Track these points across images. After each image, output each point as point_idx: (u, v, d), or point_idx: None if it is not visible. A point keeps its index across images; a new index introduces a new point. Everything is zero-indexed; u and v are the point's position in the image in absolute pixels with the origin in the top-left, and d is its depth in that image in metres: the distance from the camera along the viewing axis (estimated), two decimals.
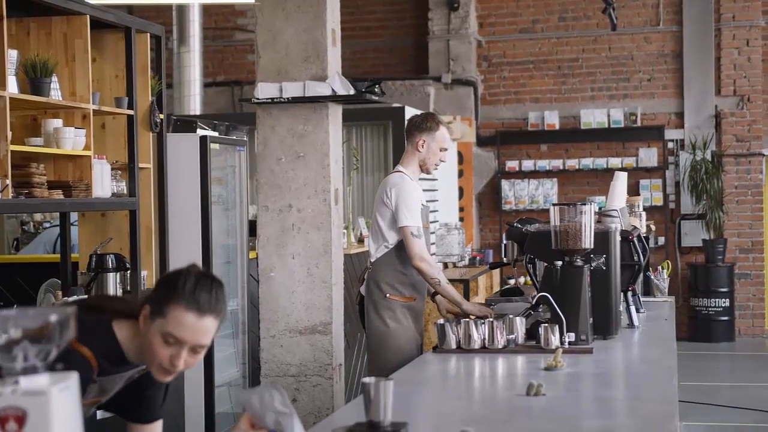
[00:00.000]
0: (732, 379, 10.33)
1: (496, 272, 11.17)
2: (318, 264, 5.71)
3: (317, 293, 5.72)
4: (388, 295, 5.21)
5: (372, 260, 5.31)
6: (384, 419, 2.75)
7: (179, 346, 2.50)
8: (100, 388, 2.66)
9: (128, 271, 5.78)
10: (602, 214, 5.21)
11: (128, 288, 5.81)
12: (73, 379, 1.83)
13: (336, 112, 5.90)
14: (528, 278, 11.95)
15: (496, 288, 11.06)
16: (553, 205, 4.50)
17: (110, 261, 5.61)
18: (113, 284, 5.62)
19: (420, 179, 5.40)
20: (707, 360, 11.33)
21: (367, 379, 2.71)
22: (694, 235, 12.50)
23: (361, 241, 7.83)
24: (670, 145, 12.65)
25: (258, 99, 5.79)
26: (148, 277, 6.02)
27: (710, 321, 12.15)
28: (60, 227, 5.93)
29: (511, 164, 12.87)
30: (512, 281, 11.87)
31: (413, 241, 5.13)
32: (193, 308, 2.49)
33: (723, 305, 12.17)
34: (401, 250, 5.19)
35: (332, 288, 5.74)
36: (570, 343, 4.25)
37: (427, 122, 5.33)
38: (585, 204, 4.46)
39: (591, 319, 4.37)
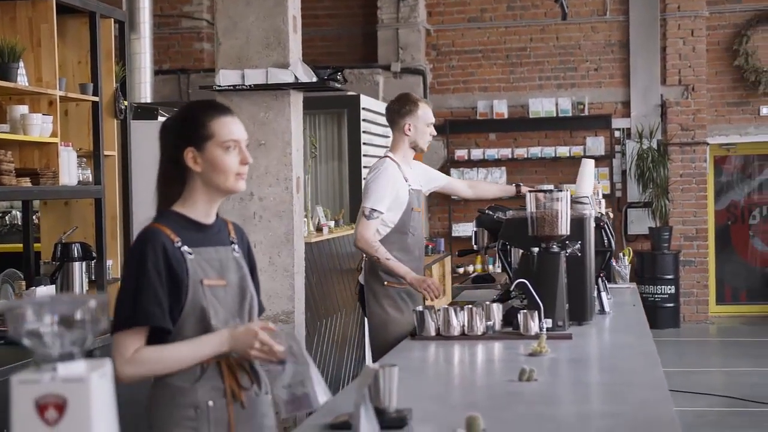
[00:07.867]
0: (678, 364, 10.47)
1: (448, 261, 11.22)
2: (280, 253, 5.68)
3: (279, 282, 5.70)
4: (386, 282, 5.25)
5: None
6: (389, 405, 2.75)
7: (238, 146, 2.89)
8: (209, 263, 2.87)
9: (94, 261, 5.69)
10: (574, 201, 5.25)
11: (93, 278, 5.72)
12: (107, 366, 1.81)
13: (297, 99, 5.87)
14: (483, 267, 12.05)
15: (449, 276, 11.11)
16: (530, 191, 4.53)
17: (76, 250, 5.51)
18: (79, 274, 5.52)
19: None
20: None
21: (372, 366, 2.71)
22: (640, 222, 12.66)
23: (319, 229, 7.78)
24: (617, 133, 12.79)
25: (220, 86, 5.73)
26: (114, 266, 5.94)
27: (656, 308, 12.31)
28: (23, 215, 5.82)
29: (460, 153, 12.91)
30: (478, 268, 11.96)
31: (362, 221, 5.20)
32: (225, 113, 2.92)
33: (669, 292, 12.35)
34: (395, 234, 5.20)
35: (294, 277, 5.72)
36: (547, 329, 4.28)
37: (406, 106, 5.40)
38: (561, 191, 4.49)
39: (567, 305, 4.41)
